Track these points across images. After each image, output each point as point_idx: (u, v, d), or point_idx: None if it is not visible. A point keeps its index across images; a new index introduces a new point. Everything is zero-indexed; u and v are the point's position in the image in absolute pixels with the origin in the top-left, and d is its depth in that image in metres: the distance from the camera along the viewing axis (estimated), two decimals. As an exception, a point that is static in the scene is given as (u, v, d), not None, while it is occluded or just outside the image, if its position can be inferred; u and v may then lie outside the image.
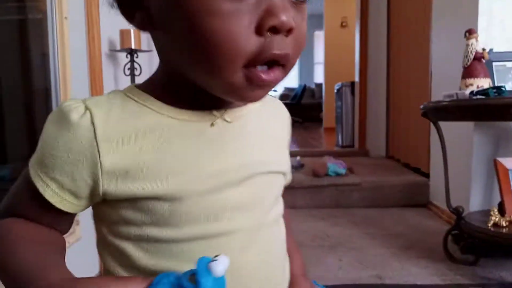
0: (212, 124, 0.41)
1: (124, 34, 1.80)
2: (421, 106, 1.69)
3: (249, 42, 0.35)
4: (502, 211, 1.58)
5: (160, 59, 0.43)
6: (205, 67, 0.37)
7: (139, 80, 1.99)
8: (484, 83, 1.63)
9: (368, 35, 3.98)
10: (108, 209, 0.40)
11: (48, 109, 1.36)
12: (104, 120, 0.38)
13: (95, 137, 0.37)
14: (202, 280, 0.32)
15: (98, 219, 0.43)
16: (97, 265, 1.53)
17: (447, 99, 1.58)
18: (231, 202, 0.41)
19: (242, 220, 0.42)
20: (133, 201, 0.39)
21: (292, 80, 10.15)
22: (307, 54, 10.08)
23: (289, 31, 0.36)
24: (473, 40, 1.65)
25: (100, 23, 1.58)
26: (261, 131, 0.46)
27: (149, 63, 2.37)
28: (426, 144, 2.57)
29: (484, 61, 1.67)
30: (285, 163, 0.49)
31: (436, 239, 1.79)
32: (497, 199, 1.67)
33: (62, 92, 1.35)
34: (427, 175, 2.60)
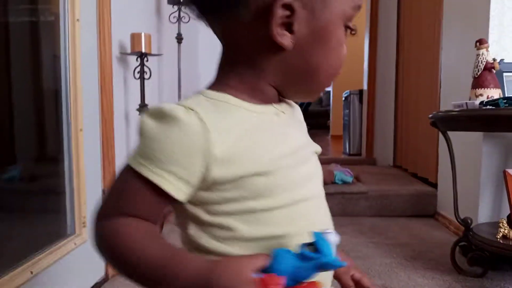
0: (277, 115, 0.50)
1: (135, 37, 1.81)
2: (430, 116, 1.68)
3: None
4: (511, 223, 1.56)
5: (262, 68, 0.47)
6: (314, 81, 0.49)
7: (149, 83, 2.00)
8: (494, 93, 1.62)
9: (377, 43, 3.98)
10: (208, 193, 0.45)
11: (58, 111, 1.37)
12: (208, 115, 0.43)
13: (206, 130, 0.42)
14: (324, 248, 0.38)
15: (194, 205, 0.46)
16: (102, 267, 1.53)
17: (457, 109, 1.56)
18: (305, 174, 0.50)
19: (313, 188, 0.52)
20: (235, 181, 0.44)
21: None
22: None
23: None
24: (483, 50, 1.64)
25: (112, 25, 1.59)
26: (298, 120, 0.57)
27: (158, 67, 2.38)
28: (434, 154, 2.55)
29: (494, 71, 1.65)
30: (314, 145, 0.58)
31: (443, 250, 1.77)
32: (506, 211, 1.65)
33: (72, 93, 1.36)
34: (434, 185, 2.57)
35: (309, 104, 9.15)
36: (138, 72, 1.90)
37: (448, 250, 1.67)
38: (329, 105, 7.62)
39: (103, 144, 1.57)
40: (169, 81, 2.61)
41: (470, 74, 1.68)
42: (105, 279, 1.53)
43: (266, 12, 0.43)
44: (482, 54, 1.64)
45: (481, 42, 1.65)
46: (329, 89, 7.30)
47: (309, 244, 0.40)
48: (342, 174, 2.68)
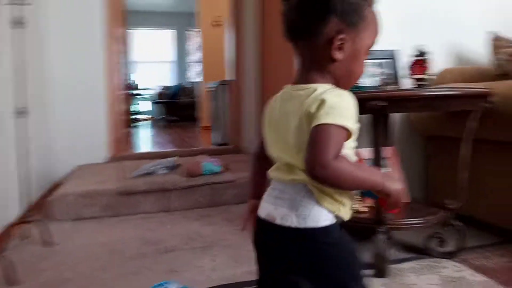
0: None
1: None
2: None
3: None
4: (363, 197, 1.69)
5: (328, 71, 0.75)
6: (352, 80, 0.77)
7: None
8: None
9: (242, 34, 4.03)
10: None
11: None
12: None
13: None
14: None
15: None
16: None
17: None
18: None
19: None
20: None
21: (168, 78, 9.92)
22: (182, 53, 9.94)
23: None
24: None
25: None
26: None
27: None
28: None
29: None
30: None
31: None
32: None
33: None
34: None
35: (178, 96, 9.01)
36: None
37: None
38: (197, 96, 7.58)
39: None
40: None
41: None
42: None
43: (330, 41, 0.73)
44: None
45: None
46: (198, 80, 7.28)
47: None
48: (211, 164, 2.65)
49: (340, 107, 0.67)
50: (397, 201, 0.70)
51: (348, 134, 0.67)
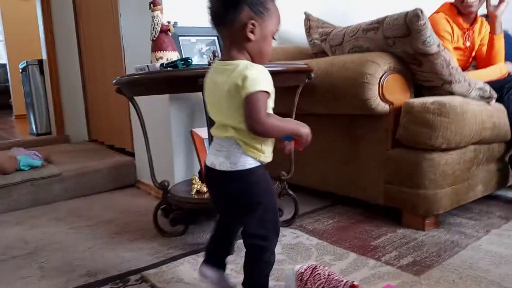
0: None
1: None
2: (114, 81, 1.57)
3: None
4: (202, 178, 1.67)
5: (245, 50, 0.97)
6: (263, 57, 0.99)
7: None
8: (173, 55, 1.65)
9: (51, 9, 3.55)
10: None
11: None
12: None
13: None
14: None
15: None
16: None
17: (139, 72, 1.51)
18: None
19: None
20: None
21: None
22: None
23: None
24: (157, 13, 1.63)
25: None
26: None
27: None
28: (127, 122, 2.50)
29: (170, 34, 1.68)
30: None
31: (148, 218, 1.75)
32: (198, 167, 1.76)
33: None
34: (133, 154, 2.55)
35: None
36: None
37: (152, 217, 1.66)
38: (8, 81, 6.50)
39: None
40: None
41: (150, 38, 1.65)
42: None
43: (244, 25, 0.94)
44: (157, 16, 1.63)
45: (154, 4, 1.64)
46: (4, 61, 6.23)
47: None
48: (28, 158, 2.28)
49: (258, 78, 0.90)
50: (307, 140, 0.98)
51: (268, 95, 0.92)
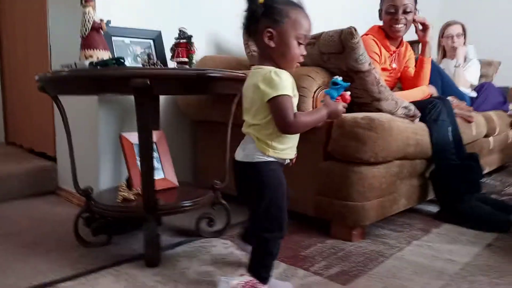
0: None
1: None
2: (37, 78, 1.45)
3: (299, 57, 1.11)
4: (130, 185, 1.59)
5: (269, 56, 1.09)
6: (288, 61, 1.09)
7: None
8: (104, 55, 1.56)
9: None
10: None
11: None
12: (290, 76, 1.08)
13: (292, 82, 1.08)
14: (340, 81, 1.13)
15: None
16: None
17: (65, 70, 1.41)
18: None
19: None
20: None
21: None
22: None
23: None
24: (89, 9, 1.53)
25: None
26: None
27: None
28: (50, 125, 2.33)
29: (102, 32, 1.59)
30: None
31: (68, 227, 1.62)
32: (126, 174, 1.67)
33: None
34: (54, 159, 2.37)
35: None
36: None
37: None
38: None
39: None
40: None
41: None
42: None
43: (263, 34, 1.07)
44: (89, 12, 1.54)
45: (86, 0, 1.54)
46: None
47: (333, 83, 1.13)
48: None
49: (277, 83, 1.01)
50: (337, 114, 1.12)
51: (290, 98, 1.03)
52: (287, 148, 1.11)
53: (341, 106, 1.12)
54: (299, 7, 1.09)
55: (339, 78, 1.13)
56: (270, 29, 1.05)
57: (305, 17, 1.09)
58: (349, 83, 1.14)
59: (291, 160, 1.17)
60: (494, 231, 1.73)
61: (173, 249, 1.50)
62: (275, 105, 1.02)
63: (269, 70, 1.04)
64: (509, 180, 2.83)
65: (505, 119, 3.02)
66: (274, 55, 1.08)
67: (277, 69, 1.04)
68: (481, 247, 1.57)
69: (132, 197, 1.50)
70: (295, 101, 1.08)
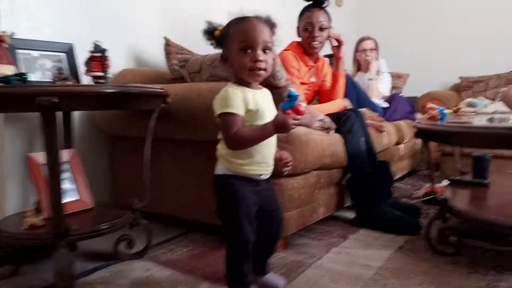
0: (257, 91, 1.16)
1: None
2: None
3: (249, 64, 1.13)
4: (39, 209, 1.48)
5: (233, 74, 1.17)
6: (243, 72, 1.13)
7: None
8: (7, 70, 1.45)
9: None
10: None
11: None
12: (243, 91, 1.12)
13: (245, 97, 1.11)
14: (293, 93, 1.05)
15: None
16: None
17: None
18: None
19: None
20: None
21: None
22: None
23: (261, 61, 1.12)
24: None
25: None
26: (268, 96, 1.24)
27: None
28: None
29: (6, 46, 1.48)
30: None
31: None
32: (35, 197, 1.56)
33: None
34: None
35: None
36: None
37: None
38: None
39: None
40: None
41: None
42: None
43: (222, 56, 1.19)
44: (-12, 24, 1.43)
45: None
46: None
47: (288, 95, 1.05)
48: None
49: (224, 101, 1.09)
50: (286, 125, 1.05)
51: (234, 115, 1.08)
52: (248, 163, 1.14)
53: (290, 119, 1.04)
54: (241, 19, 1.13)
55: (292, 90, 1.07)
56: (222, 53, 1.17)
57: (242, 23, 1.12)
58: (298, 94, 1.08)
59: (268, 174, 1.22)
60: (405, 234, 1.85)
61: (88, 276, 1.42)
62: (220, 121, 1.09)
63: (224, 88, 1.12)
64: (419, 184, 3.06)
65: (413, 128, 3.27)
66: (233, 72, 1.16)
67: (231, 87, 1.11)
68: (393, 250, 1.67)
69: (40, 223, 1.39)
70: (266, 114, 1.13)
